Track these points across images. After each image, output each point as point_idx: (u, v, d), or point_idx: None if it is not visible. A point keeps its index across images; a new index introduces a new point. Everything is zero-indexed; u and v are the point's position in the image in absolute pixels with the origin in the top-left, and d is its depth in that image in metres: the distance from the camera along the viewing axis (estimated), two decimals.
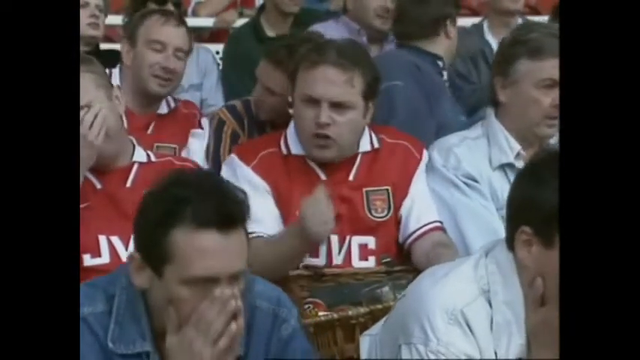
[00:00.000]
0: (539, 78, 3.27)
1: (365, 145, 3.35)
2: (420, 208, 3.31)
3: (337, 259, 3.23)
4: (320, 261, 3.21)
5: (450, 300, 2.27)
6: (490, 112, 3.42)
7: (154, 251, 2.24)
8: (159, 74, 3.87)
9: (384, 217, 3.29)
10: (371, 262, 3.23)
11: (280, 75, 3.70)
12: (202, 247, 2.20)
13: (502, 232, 3.12)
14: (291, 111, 3.33)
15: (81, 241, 2.58)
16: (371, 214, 3.28)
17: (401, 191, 3.32)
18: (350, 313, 2.84)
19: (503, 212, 3.18)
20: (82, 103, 2.93)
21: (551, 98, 3.26)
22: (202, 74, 5.29)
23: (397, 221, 3.32)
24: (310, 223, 3.00)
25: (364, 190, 3.29)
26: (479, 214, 3.27)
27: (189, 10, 6.59)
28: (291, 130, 3.35)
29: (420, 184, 3.35)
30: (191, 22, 6.00)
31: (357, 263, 3.22)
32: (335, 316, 2.86)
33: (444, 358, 2.23)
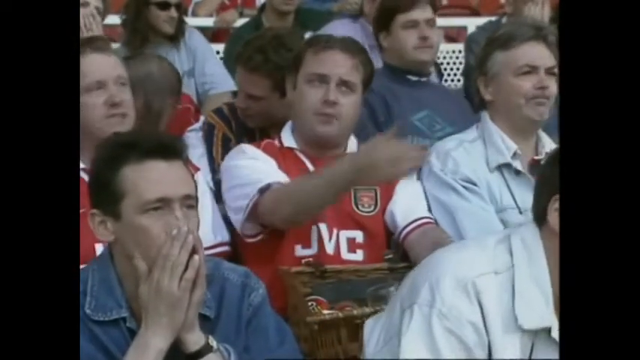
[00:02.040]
0: (516, 66, 3.32)
1: (353, 147, 3.42)
2: (405, 205, 3.35)
3: (328, 248, 3.26)
4: (312, 250, 3.25)
5: (463, 268, 2.30)
6: (485, 114, 3.43)
7: (108, 194, 2.43)
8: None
9: (370, 212, 3.34)
10: (359, 255, 3.28)
11: (259, 79, 3.69)
12: (150, 175, 2.42)
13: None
14: (289, 97, 3.40)
15: (80, 247, 2.59)
16: (358, 208, 3.33)
17: (386, 197, 3.37)
18: (355, 312, 2.84)
19: (502, 215, 3.23)
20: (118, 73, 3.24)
21: (532, 82, 3.30)
22: (192, 58, 5.24)
23: (384, 220, 3.37)
24: (382, 162, 3.00)
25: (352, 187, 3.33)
26: (479, 216, 3.27)
27: (190, 11, 6.60)
28: (285, 129, 3.45)
29: (403, 188, 3.38)
30: (192, 21, 6.02)
31: (345, 255, 3.27)
32: (340, 315, 2.87)
33: (446, 321, 2.26)
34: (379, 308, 2.79)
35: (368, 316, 2.77)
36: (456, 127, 3.84)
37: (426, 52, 4.20)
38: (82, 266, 2.54)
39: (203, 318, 2.46)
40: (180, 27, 5.33)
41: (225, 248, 3.35)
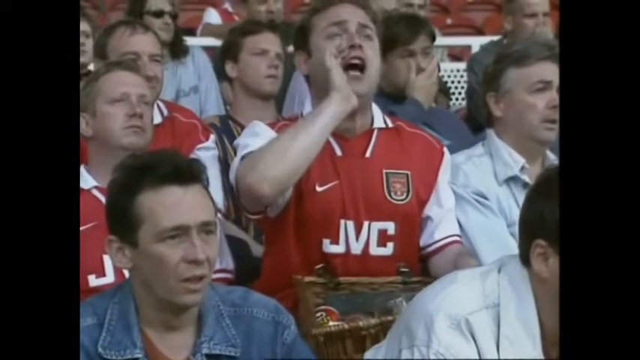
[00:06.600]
0: (530, 82, 3.32)
1: (379, 122, 3.27)
2: (447, 218, 3.26)
3: (355, 248, 3.12)
4: (340, 248, 3.12)
5: (455, 306, 2.32)
6: (490, 131, 3.44)
7: (125, 221, 2.40)
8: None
9: (403, 200, 3.19)
10: (389, 249, 3.15)
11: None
12: (166, 201, 2.38)
13: (515, 248, 3.13)
14: (305, 72, 3.27)
15: (86, 261, 2.60)
16: (391, 197, 3.18)
17: (423, 181, 3.25)
18: (361, 323, 2.83)
19: (512, 229, 3.18)
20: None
21: (545, 100, 3.29)
22: (198, 76, 5.30)
23: (418, 206, 3.23)
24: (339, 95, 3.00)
25: (384, 171, 3.19)
26: (491, 230, 3.28)
27: (198, 31, 6.65)
28: (307, 108, 3.26)
29: (447, 185, 3.29)
30: (200, 41, 6.08)
31: (374, 250, 3.14)
32: (345, 326, 2.85)
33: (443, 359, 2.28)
34: (385, 319, 2.80)
35: (374, 327, 2.79)
36: (451, 140, 3.82)
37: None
38: (100, 293, 2.54)
39: (227, 358, 2.44)
40: (180, 40, 5.39)
41: (227, 275, 3.33)
